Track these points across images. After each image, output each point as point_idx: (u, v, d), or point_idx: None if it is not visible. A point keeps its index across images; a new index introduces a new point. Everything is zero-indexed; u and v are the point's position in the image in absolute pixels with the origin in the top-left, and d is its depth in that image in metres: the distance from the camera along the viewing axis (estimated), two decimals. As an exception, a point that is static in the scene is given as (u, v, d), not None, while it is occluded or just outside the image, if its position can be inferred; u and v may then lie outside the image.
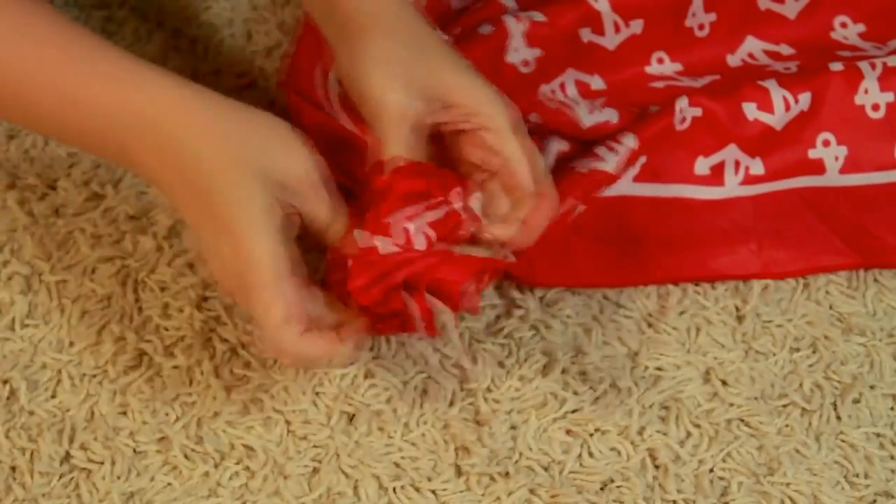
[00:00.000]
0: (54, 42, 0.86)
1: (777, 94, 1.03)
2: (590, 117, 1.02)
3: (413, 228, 0.86)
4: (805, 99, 1.03)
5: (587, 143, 1.02)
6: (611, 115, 1.02)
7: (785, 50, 1.10)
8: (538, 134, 1.00)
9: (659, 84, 1.07)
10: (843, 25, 1.10)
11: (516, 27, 1.04)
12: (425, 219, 0.86)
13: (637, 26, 1.07)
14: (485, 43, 1.03)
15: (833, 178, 1.03)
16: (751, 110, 1.02)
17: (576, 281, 0.99)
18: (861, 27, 1.10)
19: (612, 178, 0.99)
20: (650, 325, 0.98)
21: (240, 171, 0.83)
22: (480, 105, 0.87)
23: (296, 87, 1.03)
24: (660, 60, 1.08)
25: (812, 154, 1.03)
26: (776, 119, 1.03)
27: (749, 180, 1.03)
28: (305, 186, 0.85)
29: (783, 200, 1.02)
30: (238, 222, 0.83)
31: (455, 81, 0.88)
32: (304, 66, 1.04)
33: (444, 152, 0.90)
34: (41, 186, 1.02)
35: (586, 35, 1.06)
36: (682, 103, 1.01)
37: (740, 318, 0.99)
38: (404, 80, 0.87)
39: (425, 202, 0.86)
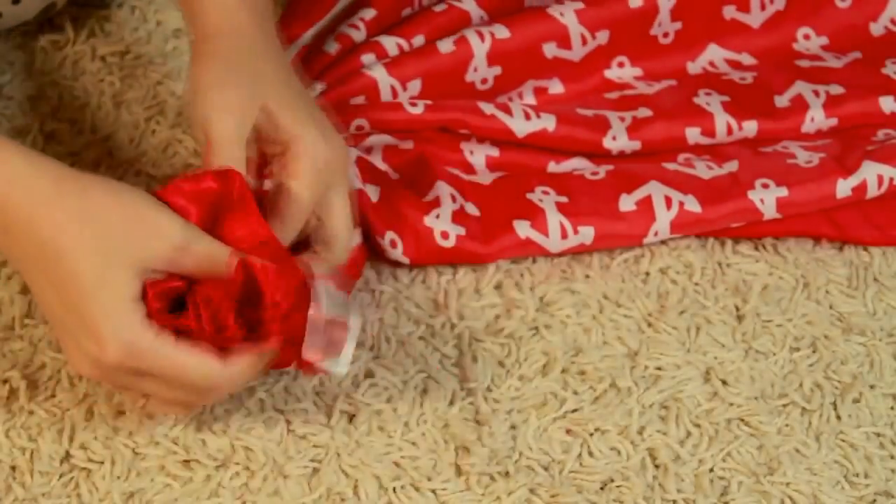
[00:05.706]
0: None
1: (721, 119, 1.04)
2: (525, 125, 1.02)
3: None
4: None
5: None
6: (548, 122, 1.02)
7: (746, 59, 1.10)
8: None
9: (613, 95, 1.07)
10: (807, 37, 1.11)
11: (480, 47, 1.04)
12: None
13: (603, 37, 1.07)
14: (445, 61, 1.03)
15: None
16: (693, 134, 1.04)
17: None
18: (824, 39, 1.11)
19: None
20: (650, 325, 0.98)
21: (103, 262, 0.82)
22: (293, 141, 0.89)
23: None
24: (620, 64, 1.08)
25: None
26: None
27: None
28: (177, 257, 0.84)
29: None
30: (102, 321, 0.82)
31: (279, 112, 0.89)
32: None
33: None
34: (40, 186, 1.02)
35: (551, 50, 1.06)
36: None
37: (740, 318, 0.99)
38: (233, 107, 0.88)
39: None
